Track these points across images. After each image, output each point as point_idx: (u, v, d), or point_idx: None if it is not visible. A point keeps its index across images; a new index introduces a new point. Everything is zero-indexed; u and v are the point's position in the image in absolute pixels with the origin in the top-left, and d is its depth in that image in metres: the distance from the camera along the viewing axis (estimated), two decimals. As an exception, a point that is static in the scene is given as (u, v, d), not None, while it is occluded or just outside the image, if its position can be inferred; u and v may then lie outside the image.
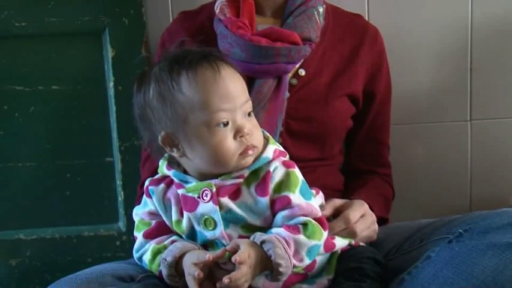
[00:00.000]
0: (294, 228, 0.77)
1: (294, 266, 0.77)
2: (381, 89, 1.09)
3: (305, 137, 1.01)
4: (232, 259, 0.74)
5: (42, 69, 1.23)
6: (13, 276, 1.27)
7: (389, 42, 1.12)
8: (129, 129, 1.23)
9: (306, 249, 0.77)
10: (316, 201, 0.85)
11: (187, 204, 0.81)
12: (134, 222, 0.90)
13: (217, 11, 1.01)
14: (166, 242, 0.83)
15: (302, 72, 1.02)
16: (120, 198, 1.27)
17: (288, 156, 0.84)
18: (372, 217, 0.94)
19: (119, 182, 1.26)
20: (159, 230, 0.85)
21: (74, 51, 1.23)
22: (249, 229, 0.80)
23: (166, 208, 0.84)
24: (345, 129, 1.07)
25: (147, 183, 0.86)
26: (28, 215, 1.27)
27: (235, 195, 0.80)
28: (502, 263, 0.74)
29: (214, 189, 0.79)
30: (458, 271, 0.76)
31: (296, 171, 0.81)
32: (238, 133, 0.78)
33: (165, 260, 0.79)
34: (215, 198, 0.79)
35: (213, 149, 0.78)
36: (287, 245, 0.76)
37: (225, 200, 0.79)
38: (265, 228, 0.80)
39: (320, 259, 0.84)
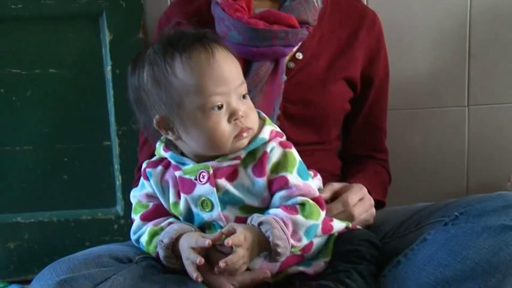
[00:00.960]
0: (291, 209, 0.78)
1: (292, 246, 0.77)
2: (379, 73, 1.09)
3: (302, 120, 1.01)
4: (225, 242, 0.74)
5: (39, 53, 1.22)
6: (11, 259, 1.28)
7: (387, 28, 1.12)
8: (126, 113, 1.22)
9: (304, 229, 0.78)
10: (314, 182, 0.85)
11: (185, 186, 0.82)
12: (132, 205, 0.90)
13: None
14: (163, 224, 0.83)
15: (299, 55, 1.02)
16: (118, 182, 1.27)
17: (284, 137, 0.84)
18: (370, 201, 0.95)
19: (116, 166, 1.27)
20: (157, 212, 0.85)
21: (71, 35, 1.22)
22: (247, 210, 0.81)
23: (164, 190, 0.84)
24: (342, 113, 1.07)
25: (144, 165, 0.87)
26: (26, 199, 1.28)
27: (232, 176, 0.80)
28: (496, 245, 0.75)
29: (211, 171, 0.79)
30: (454, 253, 0.77)
31: (293, 151, 0.82)
32: (232, 116, 0.78)
33: (162, 241, 0.80)
34: (212, 179, 0.79)
35: (208, 132, 0.78)
36: (285, 225, 0.76)
37: (222, 182, 0.80)
38: (262, 209, 0.81)
39: (317, 241, 0.84)
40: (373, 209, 0.96)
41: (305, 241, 0.79)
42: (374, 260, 0.83)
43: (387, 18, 1.12)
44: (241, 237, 0.75)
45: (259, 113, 0.83)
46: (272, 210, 0.79)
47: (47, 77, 1.23)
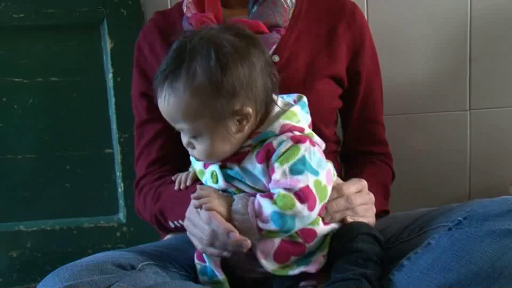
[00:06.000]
0: (268, 195, 0.80)
1: (258, 227, 0.79)
2: (365, 66, 1.05)
3: None
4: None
5: (40, 61, 1.23)
6: (14, 268, 1.28)
7: (388, 32, 1.13)
8: (128, 121, 1.23)
9: (270, 212, 0.79)
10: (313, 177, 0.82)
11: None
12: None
13: (184, 10, 1.00)
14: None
15: (275, 58, 0.98)
16: (120, 190, 1.28)
17: (306, 131, 0.84)
18: (369, 195, 0.91)
19: (118, 174, 1.27)
20: None
21: (72, 43, 1.23)
22: (251, 188, 0.83)
23: None
24: (331, 111, 1.04)
25: None
26: (28, 207, 1.28)
27: (240, 159, 0.83)
28: (500, 250, 0.74)
29: None
30: (457, 257, 0.76)
31: (301, 146, 0.81)
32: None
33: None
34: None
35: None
36: (252, 204, 0.80)
37: (232, 164, 0.83)
38: (264, 191, 0.82)
39: (318, 232, 0.83)
40: (374, 207, 0.91)
41: (272, 225, 0.79)
42: (379, 260, 0.82)
43: (388, 23, 1.13)
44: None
45: (282, 100, 0.86)
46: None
47: (48, 86, 1.24)
